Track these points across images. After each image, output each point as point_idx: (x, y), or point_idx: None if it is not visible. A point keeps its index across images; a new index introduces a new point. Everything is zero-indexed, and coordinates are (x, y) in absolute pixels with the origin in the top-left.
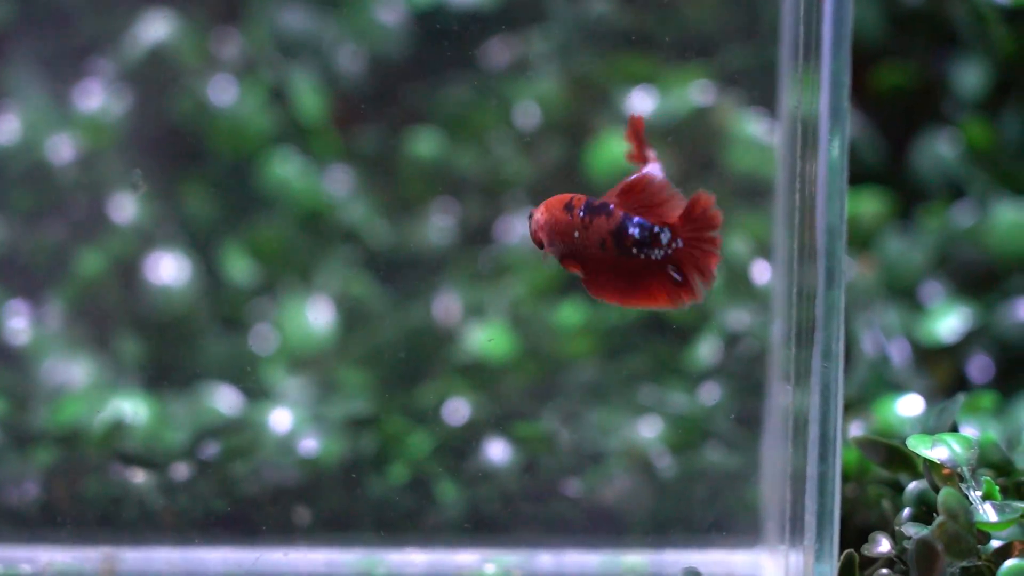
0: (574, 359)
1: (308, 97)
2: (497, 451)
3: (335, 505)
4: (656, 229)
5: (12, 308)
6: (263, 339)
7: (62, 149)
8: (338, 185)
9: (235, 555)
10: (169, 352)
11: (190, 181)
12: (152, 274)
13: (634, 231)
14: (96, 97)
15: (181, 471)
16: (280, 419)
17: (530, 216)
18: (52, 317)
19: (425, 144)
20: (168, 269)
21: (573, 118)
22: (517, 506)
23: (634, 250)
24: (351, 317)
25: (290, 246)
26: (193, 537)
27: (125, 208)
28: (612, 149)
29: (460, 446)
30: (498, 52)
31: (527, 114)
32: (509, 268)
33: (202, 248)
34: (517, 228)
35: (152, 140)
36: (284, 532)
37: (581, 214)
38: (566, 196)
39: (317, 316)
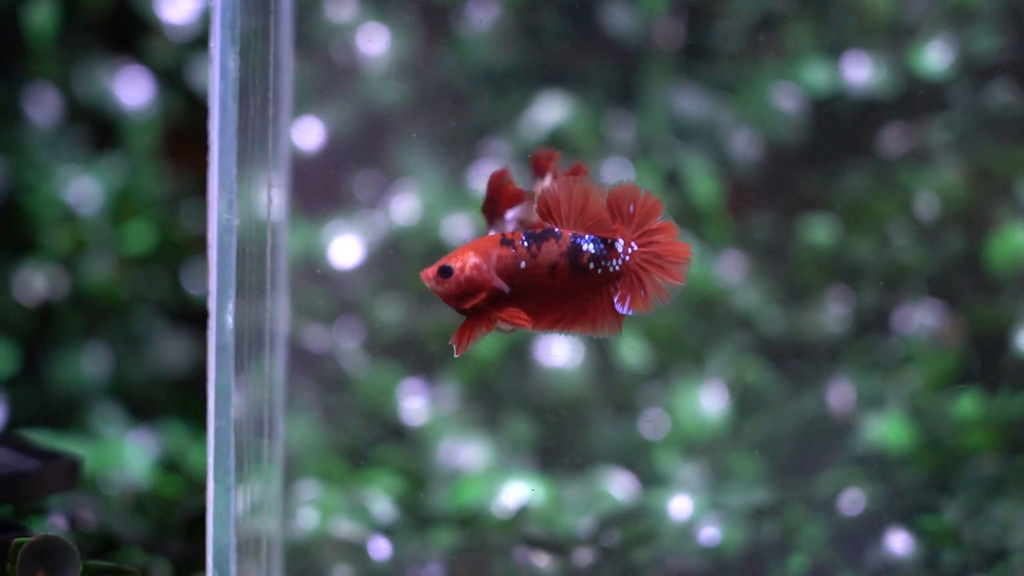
0: (974, 451)
1: (702, 182)
2: (898, 543)
3: None
4: (609, 241)
5: (409, 387)
6: (655, 423)
7: (459, 229)
8: (731, 271)
9: None
10: (561, 435)
11: None
12: (545, 356)
13: (589, 247)
14: None
15: (583, 556)
16: (680, 506)
17: (444, 272)
18: (447, 398)
19: (821, 231)
20: (561, 351)
21: (974, 208)
22: None
23: (591, 266)
24: (744, 404)
25: (683, 331)
26: None
27: None
28: (1015, 240)
29: (858, 538)
30: (897, 140)
31: (927, 203)
32: (908, 358)
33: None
34: (915, 318)
35: None
36: None
37: (525, 244)
38: (488, 238)
39: (710, 402)
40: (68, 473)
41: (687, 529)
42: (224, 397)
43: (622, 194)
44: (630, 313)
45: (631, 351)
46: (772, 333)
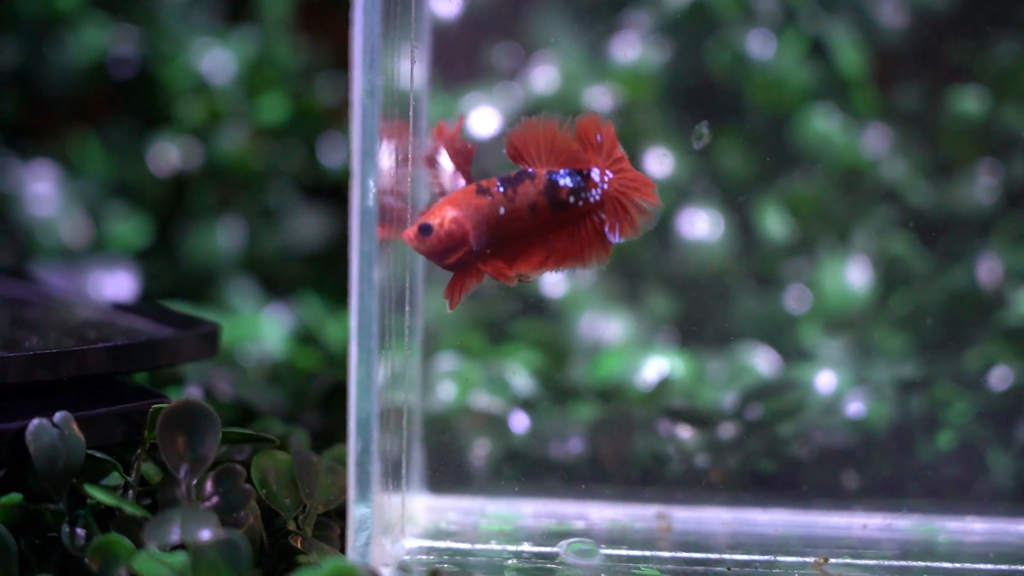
0: None
1: (848, 52)
2: None
3: (885, 469)
4: (585, 172)
5: None
6: (798, 298)
7: (600, 100)
8: (877, 142)
9: (787, 517)
10: (703, 309)
11: (726, 135)
12: (686, 230)
13: (566, 181)
14: (634, 49)
15: (727, 430)
16: (825, 381)
17: (424, 230)
18: (586, 271)
19: (970, 102)
20: (702, 225)
21: None
22: None
23: (571, 199)
24: (890, 278)
25: (827, 204)
26: (743, 497)
27: (662, 161)
28: None
29: (1008, 414)
30: None
31: None
32: None
33: (737, 204)
34: None
35: (689, 93)
36: (832, 495)
37: (501, 189)
38: (464, 189)
39: (855, 276)
40: (206, 341)
41: (832, 403)
42: (367, 262)
43: (588, 124)
44: (619, 240)
45: None
46: (919, 206)
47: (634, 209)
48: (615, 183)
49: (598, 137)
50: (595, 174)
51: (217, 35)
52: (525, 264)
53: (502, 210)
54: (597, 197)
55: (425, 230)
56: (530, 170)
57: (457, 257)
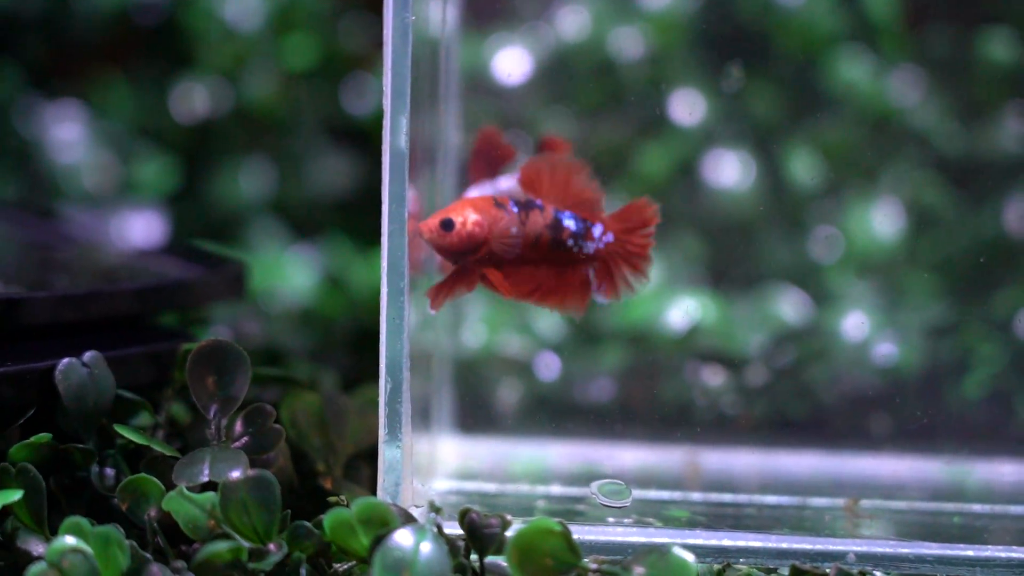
0: None
1: None
2: None
3: (915, 413)
4: (588, 223)
5: None
6: (829, 243)
7: (629, 45)
8: (908, 87)
9: (815, 461)
10: (731, 253)
11: (756, 80)
12: (714, 174)
13: (570, 223)
14: None
15: (756, 374)
16: (855, 324)
17: (446, 225)
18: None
19: (1001, 46)
20: (731, 169)
21: None
22: None
23: (569, 242)
24: (920, 222)
25: (857, 148)
26: (770, 441)
27: (691, 106)
28: None
29: None
30: None
31: None
32: None
33: (766, 148)
34: None
35: (719, 38)
36: (862, 439)
37: (515, 210)
38: (481, 197)
39: (884, 221)
40: (234, 280)
41: (862, 348)
42: (398, 202)
43: (638, 203)
44: (603, 301)
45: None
46: (949, 150)
47: (620, 280)
48: (612, 248)
49: (631, 215)
50: (596, 229)
51: None
52: (516, 289)
53: (514, 229)
54: (591, 251)
55: (447, 225)
56: (538, 201)
57: (475, 258)
